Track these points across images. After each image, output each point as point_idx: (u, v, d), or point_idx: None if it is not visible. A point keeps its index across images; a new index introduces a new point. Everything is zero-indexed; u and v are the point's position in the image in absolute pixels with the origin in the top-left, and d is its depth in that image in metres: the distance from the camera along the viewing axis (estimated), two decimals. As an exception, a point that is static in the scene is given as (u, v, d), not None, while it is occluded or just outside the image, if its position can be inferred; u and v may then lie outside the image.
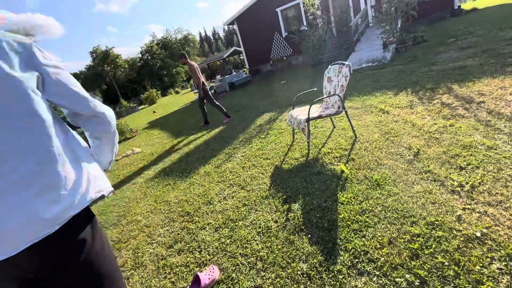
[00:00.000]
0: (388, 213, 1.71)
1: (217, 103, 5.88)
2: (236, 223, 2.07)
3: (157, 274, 1.79)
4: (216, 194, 2.65)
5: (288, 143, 3.36)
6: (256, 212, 2.14)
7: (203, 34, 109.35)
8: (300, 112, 3.01)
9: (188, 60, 5.47)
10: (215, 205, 2.44)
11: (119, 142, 7.54)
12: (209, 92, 5.80)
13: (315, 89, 3.38)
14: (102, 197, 0.87)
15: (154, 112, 13.54)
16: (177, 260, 1.86)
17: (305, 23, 12.16)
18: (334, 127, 3.42)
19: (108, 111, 0.97)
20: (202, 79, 5.62)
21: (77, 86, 0.86)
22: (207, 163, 3.58)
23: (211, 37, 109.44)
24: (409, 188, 1.88)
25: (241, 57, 23.92)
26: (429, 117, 2.90)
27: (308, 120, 2.71)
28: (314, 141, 3.19)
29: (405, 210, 1.69)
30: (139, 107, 21.46)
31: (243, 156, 3.41)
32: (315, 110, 3.06)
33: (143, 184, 3.56)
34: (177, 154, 4.47)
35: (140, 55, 37.43)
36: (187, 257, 1.87)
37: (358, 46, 9.34)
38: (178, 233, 2.18)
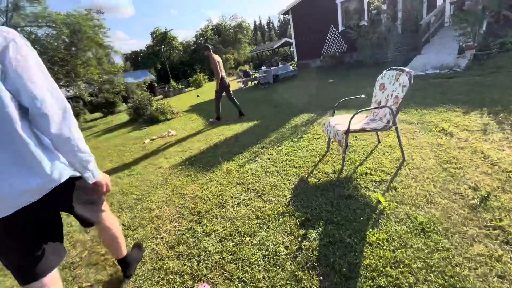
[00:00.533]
0: (431, 275, 1.31)
1: (232, 97, 6.11)
2: (243, 238, 1.86)
3: (151, 276, 1.69)
4: (232, 197, 2.47)
5: (321, 153, 3.00)
6: (268, 229, 1.90)
7: (257, 23, 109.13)
8: (339, 121, 2.62)
9: (211, 53, 5.53)
10: (227, 209, 2.27)
11: (162, 121, 7.91)
12: (229, 88, 6.03)
13: (363, 96, 2.91)
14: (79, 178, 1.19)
15: (198, 96, 13.97)
16: (174, 265, 1.74)
17: (366, 18, 11.02)
18: (379, 142, 2.94)
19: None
20: (222, 73, 5.71)
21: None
22: (231, 159, 3.42)
23: (265, 26, 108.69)
24: (467, 246, 1.43)
25: (291, 49, 23.16)
26: (510, 149, 2.25)
27: (347, 132, 2.33)
28: (351, 155, 2.77)
29: (456, 278, 1.27)
30: (186, 89, 22.50)
31: (269, 159, 3.16)
32: (358, 121, 2.63)
33: (166, 170, 3.58)
34: (206, 144, 4.42)
35: (194, 39, 39.05)
36: (184, 264, 1.73)
37: (426, 49, 8.11)
38: (183, 234, 2.06)
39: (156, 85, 27.42)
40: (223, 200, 2.43)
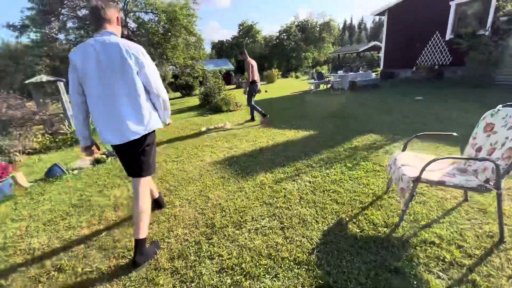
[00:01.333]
0: None
1: (252, 104, 6.00)
2: (243, 279, 1.56)
3: (140, 286, 1.58)
4: (253, 218, 2.17)
5: (377, 192, 2.38)
6: (275, 279, 1.54)
7: (348, 22, 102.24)
8: (409, 161, 1.97)
9: (247, 57, 5.67)
10: (242, 233, 1.99)
11: (224, 111, 8.17)
12: (254, 92, 5.93)
13: (455, 134, 2.12)
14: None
15: (266, 91, 13.97)
16: (164, 283, 1.59)
17: (488, 26, 8.68)
18: (466, 200, 2.13)
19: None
20: (255, 77, 5.74)
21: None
22: (269, 171, 3.11)
23: (356, 27, 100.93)
24: None
25: (378, 55, 20.72)
26: None
27: (416, 180, 1.71)
28: (418, 207, 2.08)
29: None
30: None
31: (310, 182, 2.72)
32: (439, 167, 1.92)
33: (206, 165, 3.54)
34: (253, 146, 4.22)
35: (277, 34, 39.27)
36: (174, 286, 1.56)
37: None
38: (189, 246, 1.90)
39: (233, 74, 29.01)
40: (242, 220, 2.16)
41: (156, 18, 11.44)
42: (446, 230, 1.81)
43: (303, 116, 6.20)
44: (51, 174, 3.57)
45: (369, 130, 4.41)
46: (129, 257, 1.84)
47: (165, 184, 3.02)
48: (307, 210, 2.22)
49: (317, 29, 39.80)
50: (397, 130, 4.25)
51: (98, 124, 1.68)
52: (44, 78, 6.07)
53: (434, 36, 11.10)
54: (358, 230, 1.89)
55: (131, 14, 11.25)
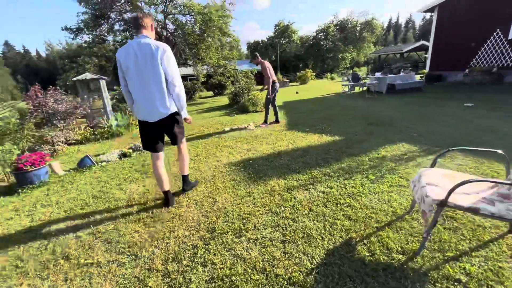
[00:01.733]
0: None
1: (270, 106, 5.86)
2: (231, 294, 1.47)
3: (131, 286, 1.59)
4: (255, 226, 2.07)
5: (398, 212, 2.10)
6: (264, 298, 1.42)
7: (393, 21, 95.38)
8: (437, 180, 1.69)
9: (260, 59, 5.61)
10: (240, 241, 1.90)
11: (251, 112, 8.16)
12: (274, 94, 5.85)
13: (499, 151, 1.76)
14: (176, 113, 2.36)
15: (296, 92, 13.67)
16: (152, 286, 1.57)
17: None
18: (510, 232, 1.76)
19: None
20: (273, 78, 5.64)
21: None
22: (283, 176, 2.97)
23: (402, 25, 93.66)
24: None
25: (425, 55, 18.91)
26: None
27: (442, 204, 1.45)
28: (444, 235, 1.77)
29: None
30: (290, 84, 22.60)
31: (324, 193, 2.51)
32: (475, 190, 1.61)
33: (221, 166, 3.52)
34: (272, 149, 4.10)
35: (314, 34, 38.25)
36: (161, 291, 1.53)
37: None
38: (185, 249, 1.87)
39: (266, 74, 28.99)
40: (244, 227, 2.07)
41: (192, 20, 11.90)
42: (479, 267, 1.50)
43: (330, 120, 5.88)
44: (83, 164, 3.88)
45: (401, 139, 3.98)
46: (128, 253, 1.88)
47: (178, 183, 3.06)
48: (314, 224, 2.04)
49: (358, 28, 37.84)
50: (435, 141, 3.77)
51: (136, 105, 2.29)
52: (89, 76, 6.69)
53: (494, 34, 9.74)
54: (368, 254, 1.67)
55: (170, 16, 11.89)
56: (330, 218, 2.09)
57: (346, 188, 2.57)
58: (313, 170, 3.10)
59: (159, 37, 12.56)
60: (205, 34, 12.59)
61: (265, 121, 6.07)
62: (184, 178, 2.76)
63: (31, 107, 4.70)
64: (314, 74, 24.33)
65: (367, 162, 3.21)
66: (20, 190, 3.22)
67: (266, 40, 39.72)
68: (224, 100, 12.83)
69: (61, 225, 2.36)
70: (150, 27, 2.24)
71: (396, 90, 9.91)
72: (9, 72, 61.88)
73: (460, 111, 5.69)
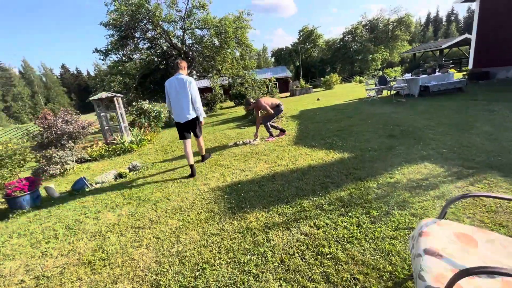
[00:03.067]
0: None
1: (267, 124, 5.57)
2: None
3: None
4: (206, 283, 1.66)
5: (397, 275, 1.53)
6: None
7: (432, 15, 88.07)
8: (444, 244, 1.13)
9: (254, 103, 5.60)
10: (181, 307, 1.51)
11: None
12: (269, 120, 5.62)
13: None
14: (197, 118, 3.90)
15: (317, 99, 12.95)
16: None
17: None
18: None
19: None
20: (275, 102, 5.58)
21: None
22: (267, 209, 2.52)
23: (443, 19, 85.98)
24: None
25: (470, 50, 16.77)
26: None
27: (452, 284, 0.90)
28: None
29: None
30: (313, 90, 21.73)
31: (306, 236, 2.01)
32: (500, 257, 1.01)
33: (205, 192, 3.17)
34: (270, 169, 3.65)
35: (341, 36, 36.76)
36: None
37: None
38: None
39: (290, 82, 28.52)
40: (192, 284, 1.68)
41: (208, 34, 12.06)
42: None
43: (345, 131, 5.23)
44: (77, 187, 3.85)
45: (425, 157, 3.26)
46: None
47: (152, 213, 2.79)
48: (279, 286, 1.56)
49: (389, 27, 35.49)
50: (470, 160, 2.99)
51: (173, 113, 3.85)
52: (104, 94, 6.96)
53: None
54: None
55: (188, 31, 12.20)
56: (302, 278, 1.60)
57: (336, 229, 2.03)
58: (304, 199, 2.60)
59: (179, 52, 12.96)
60: (220, 46, 12.67)
61: (271, 135, 5.64)
62: (202, 156, 4.48)
63: (42, 129, 4.94)
64: (341, 78, 23.09)
65: (374, 189, 2.60)
66: (10, 215, 3.25)
67: (290, 46, 39.27)
68: (242, 110, 12.66)
69: (17, 262, 2.21)
70: (184, 68, 3.83)
71: (431, 92, 8.73)
72: (64, 91, 70.16)
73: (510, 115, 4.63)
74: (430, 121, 5.17)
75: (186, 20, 11.75)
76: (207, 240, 2.14)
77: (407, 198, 2.35)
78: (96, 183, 4.03)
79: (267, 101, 5.54)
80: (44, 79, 67.48)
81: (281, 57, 38.31)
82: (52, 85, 65.74)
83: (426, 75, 9.43)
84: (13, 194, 3.19)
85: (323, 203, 2.48)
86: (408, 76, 9.80)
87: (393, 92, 10.34)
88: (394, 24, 34.86)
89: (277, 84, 28.83)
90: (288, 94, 21.07)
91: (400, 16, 35.15)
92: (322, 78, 22.17)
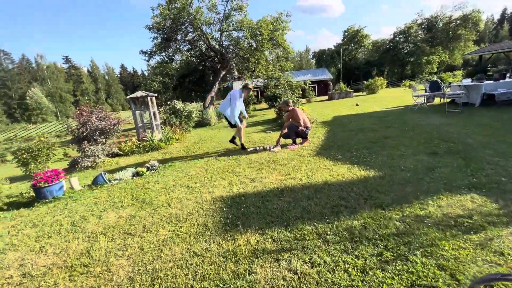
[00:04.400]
0: None
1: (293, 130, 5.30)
2: None
3: None
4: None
5: None
6: None
7: (509, 10, 75.65)
8: None
9: (290, 107, 5.44)
10: None
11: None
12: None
13: None
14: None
15: (356, 105, 11.98)
16: None
17: None
18: None
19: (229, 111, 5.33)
20: (307, 124, 5.30)
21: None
22: (262, 231, 2.22)
23: (523, 15, 73.04)
24: None
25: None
26: None
27: None
28: None
29: None
30: (354, 94, 20.25)
31: (295, 275, 1.68)
32: None
33: (207, 201, 3.01)
34: (280, 182, 3.33)
35: (392, 36, 33.70)
36: None
37: None
38: None
39: (331, 84, 27.20)
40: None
41: (243, 35, 12.07)
42: None
43: (377, 144, 4.61)
44: (96, 182, 4.05)
45: (474, 185, 2.60)
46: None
47: (148, 219, 2.72)
48: None
49: (451, 25, 31.45)
50: (537, 196, 2.27)
51: (222, 110, 5.43)
52: (139, 94, 7.37)
53: None
54: None
55: (226, 33, 12.38)
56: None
57: (334, 272, 1.65)
58: (308, 224, 2.24)
59: (215, 54, 13.26)
60: (253, 48, 12.58)
61: (294, 142, 5.28)
62: (243, 145, 5.43)
63: (79, 124, 5.38)
64: (387, 81, 21.12)
65: (396, 222, 2.11)
66: (36, 204, 3.53)
67: (333, 47, 37.47)
68: (273, 113, 12.39)
69: (17, 254, 2.31)
70: (241, 85, 5.39)
71: (497, 102, 7.30)
72: (122, 88, 78.30)
73: None
74: (490, 138, 4.24)
75: (224, 22, 11.93)
76: (187, 261, 1.95)
77: (437, 241, 1.84)
78: (114, 180, 4.19)
79: (303, 116, 5.33)
80: (106, 77, 76.27)
81: (323, 58, 36.70)
82: (112, 83, 73.96)
83: (491, 81, 7.94)
84: (38, 184, 3.46)
85: (328, 232, 2.09)
86: (467, 82, 8.39)
87: (447, 100, 8.96)
88: (458, 22, 30.67)
89: (316, 87, 27.81)
90: (326, 97, 20.07)
91: (466, 12, 30.82)
92: (364, 82, 20.55)
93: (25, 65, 54.27)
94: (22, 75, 50.82)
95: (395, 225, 2.08)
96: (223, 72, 13.49)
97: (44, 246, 2.40)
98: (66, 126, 6.76)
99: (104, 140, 5.69)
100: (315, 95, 22.12)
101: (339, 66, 30.65)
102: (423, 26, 31.96)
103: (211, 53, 13.75)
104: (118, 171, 4.47)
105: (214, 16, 12.08)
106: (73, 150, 5.22)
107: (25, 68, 53.36)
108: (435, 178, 2.90)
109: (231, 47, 12.85)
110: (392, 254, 1.75)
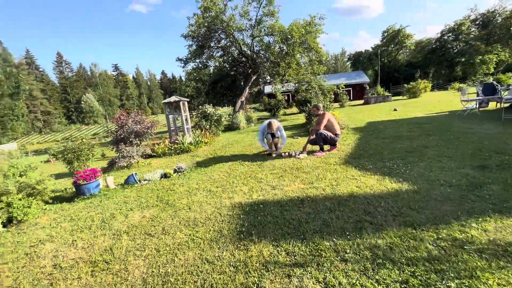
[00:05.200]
0: None
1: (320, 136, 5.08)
2: None
3: None
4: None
5: None
6: None
7: None
8: None
9: (318, 112, 5.38)
10: None
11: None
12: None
13: None
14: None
15: (394, 110, 11.12)
16: None
17: None
18: None
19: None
20: (338, 131, 5.08)
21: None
22: (276, 242, 2.13)
23: None
24: None
25: None
26: None
27: None
28: None
29: None
30: (393, 98, 18.83)
31: None
32: None
33: (225, 207, 3.00)
34: (301, 192, 3.20)
35: (438, 35, 30.77)
36: None
37: None
38: None
39: (367, 88, 25.78)
40: (160, 319, 1.50)
41: (274, 40, 12.08)
42: None
43: (415, 154, 4.19)
44: (127, 181, 4.33)
45: (533, 208, 2.18)
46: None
47: (168, 221, 2.80)
48: None
49: (512, 19, 27.70)
50: None
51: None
52: (172, 99, 7.79)
53: None
54: None
55: (257, 38, 12.53)
56: None
57: (352, 297, 1.50)
58: (326, 239, 2.09)
59: (247, 59, 13.47)
60: (285, 52, 12.49)
61: (321, 149, 5.06)
62: (280, 153, 5.25)
63: (117, 127, 5.86)
64: (432, 84, 19.26)
65: (428, 245, 1.86)
66: (75, 199, 3.90)
67: (371, 49, 35.49)
68: (303, 118, 12.12)
69: (53, 246, 2.54)
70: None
71: None
72: (162, 93, 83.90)
73: None
74: (559, 150, 3.57)
75: (255, 28, 12.10)
76: (198, 267, 1.94)
77: (479, 272, 1.56)
78: (144, 180, 4.44)
79: (334, 121, 5.17)
80: (148, 83, 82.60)
81: (359, 61, 34.89)
82: (153, 88, 79.86)
83: None
84: (78, 182, 3.82)
85: (348, 250, 1.92)
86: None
87: (504, 104, 7.83)
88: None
89: (351, 91, 26.61)
90: (362, 101, 19.04)
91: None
92: (405, 85, 19.02)
93: (82, 73, 61.37)
94: (79, 82, 57.53)
95: (427, 249, 1.83)
96: (254, 77, 13.65)
97: (75, 240, 2.62)
98: (106, 128, 7.41)
99: (138, 142, 6.12)
100: (349, 99, 21.18)
101: (376, 68, 28.83)
102: (477, 23, 28.60)
103: (243, 58, 14.02)
104: (147, 173, 4.73)
105: (246, 22, 12.35)
106: (111, 150, 5.67)
107: (81, 76, 60.33)
108: (482, 196, 2.51)
109: (262, 52, 12.96)
110: (420, 282, 1.54)
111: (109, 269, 2.05)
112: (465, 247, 1.81)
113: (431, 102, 13.63)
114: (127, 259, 2.17)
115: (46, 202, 3.71)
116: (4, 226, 3.12)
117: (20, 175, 3.36)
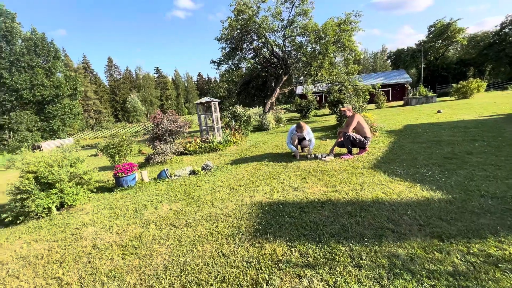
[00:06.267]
0: None
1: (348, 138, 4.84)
2: None
3: None
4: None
5: None
6: None
7: None
8: None
9: (349, 113, 5.15)
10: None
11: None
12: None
13: None
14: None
15: (438, 112, 10.15)
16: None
17: None
18: None
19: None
20: (368, 134, 4.84)
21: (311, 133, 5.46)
22: (291, 242, 2.15)
23: None
24: None
25: None
26: None
27: None
28: None
29: None
30: (438, 98, 17.09)
31: (314, 296, 1.56)
32: None
33: (246, 205, 3.09)
34: (322, 195, 3.15)
35: (498, 28, 27.11)
36: None
37: None
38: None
39: (409, 88, 23.87)
40: (175, 303, 1.63)
41: (307, 39, 11.87)
42: None
43: (455, 160, 3.82)
44: (160, 176, 4.68)
45: None
46: None
47: (192, 214, 2.97)
48: None
49: None
50: None
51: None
52: (204, 99, 8.16)
53: None
54: None
55: (289, 38, 12.45)
56: None
57: (359, 304, 1.46)
58: (342, 244, 2.05)
59: (278, 60, 13.47)
60: (318, 51, 12.19)
61: (349, 152, 4.87)
62: (312, 154, 5.16)
63: (153, 126, 6.35)
64: (487, 83, 17.06)
65: (456, 260, 1.72)
66: (115, 190, 4.34)
67: (414, 46, 32.64)
68: (335, 120, 11.73)
69: (94, 229, 2.88)
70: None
71: None
72: (197, 93, 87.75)
73: None
74: None
75: (287, 29, 12.05)
76: (214, 259, 2.06)
77: (513, 294, 1.40)
78: (174, 176, 4.75)
79: (364, 124, 4.97)
80: (186, 84, 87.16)
81: (400, 59, 32.27)
82: (190, 89, 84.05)
83: None
84: (117, 174, 4.24)
85: (364, 257, 1.86)
86: None
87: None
88: None
89: (390, 91, 24.91)
90: (401, 103, 17.71)
91: None
92: (454, 85, 17.13)
93: (128, 75, 67.20)
94: (125, 84, 63.13)
95: (453, 263, 1.69)
96: (285, 78, 13.59)
97: (112, 226, 2.93)
98: (144, 127, 8.07)
99: (172, 139, 6.55)
100: (387, 100, 19.85)
101: (420, 67, 26.35)
102: (548, 12, 24.61)
103: (274, 59, 14.06)
104: (178, 169, 5.05)
105: (278, 23, 12.35)
106: (148, 147, 6.18)
107: (128, 78, 66.07)
108: (531, 211, 2.21)
109: (293, 52, 12.85)
110: (439, 298, 1.44)
111: (136, 254, 2.28)
112: (500, 265, 1.63)
113: (484, 103, 12.14)
114: (153, 246, 2.37)
115: (91, 191, 4.20)
116: (58, 209, 3.62)
117: (71, 166, 3.85)
